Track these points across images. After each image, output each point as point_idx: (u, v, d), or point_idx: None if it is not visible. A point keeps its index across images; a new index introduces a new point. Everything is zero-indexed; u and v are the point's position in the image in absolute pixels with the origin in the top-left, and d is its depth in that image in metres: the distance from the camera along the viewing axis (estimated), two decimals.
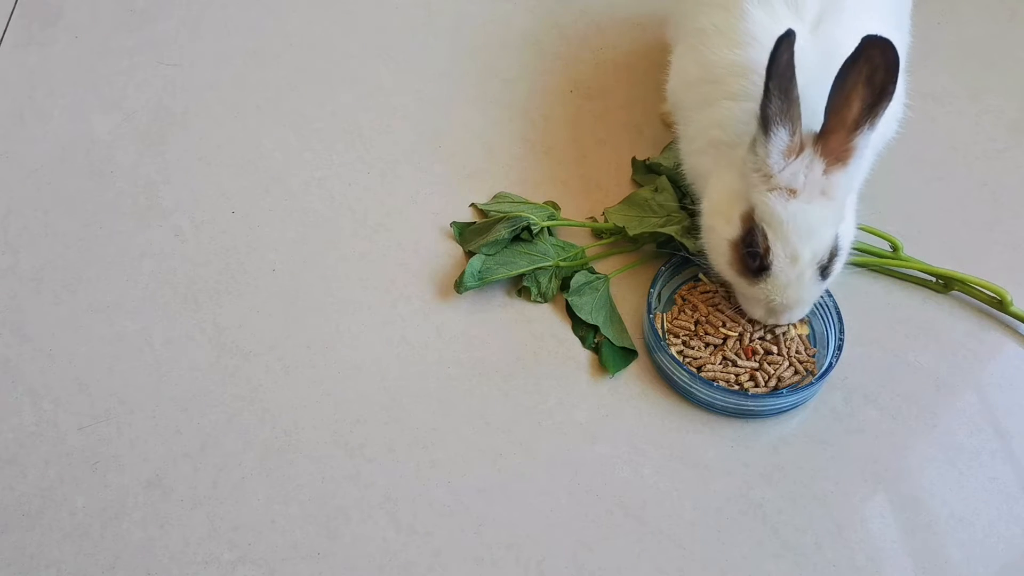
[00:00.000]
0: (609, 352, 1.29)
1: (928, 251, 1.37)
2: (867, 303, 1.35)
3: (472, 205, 1.46)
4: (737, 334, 1.26)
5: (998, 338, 1.33)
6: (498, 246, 1.36)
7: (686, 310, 1.30)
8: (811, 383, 1.22)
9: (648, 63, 1.62)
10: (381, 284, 1.37)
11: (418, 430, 1.23)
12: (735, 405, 1.22)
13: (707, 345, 1.27)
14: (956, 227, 1.44)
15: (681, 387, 1.25)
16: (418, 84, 1.63)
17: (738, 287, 1.22)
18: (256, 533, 1.14)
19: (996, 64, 1.68)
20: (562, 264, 1.36)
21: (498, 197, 1.46)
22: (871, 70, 1.06)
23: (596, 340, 1.31)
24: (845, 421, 1.24)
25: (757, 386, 1.23)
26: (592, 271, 1.36)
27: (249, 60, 1.66)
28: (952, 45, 1.70)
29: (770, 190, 1.12)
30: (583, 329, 1.32)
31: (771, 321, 1.22)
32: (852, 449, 1.22)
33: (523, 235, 1.37)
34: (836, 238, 1.16)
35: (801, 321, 1.27)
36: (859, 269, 1.37)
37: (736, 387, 1.23)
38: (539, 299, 1.35)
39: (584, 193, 1.47)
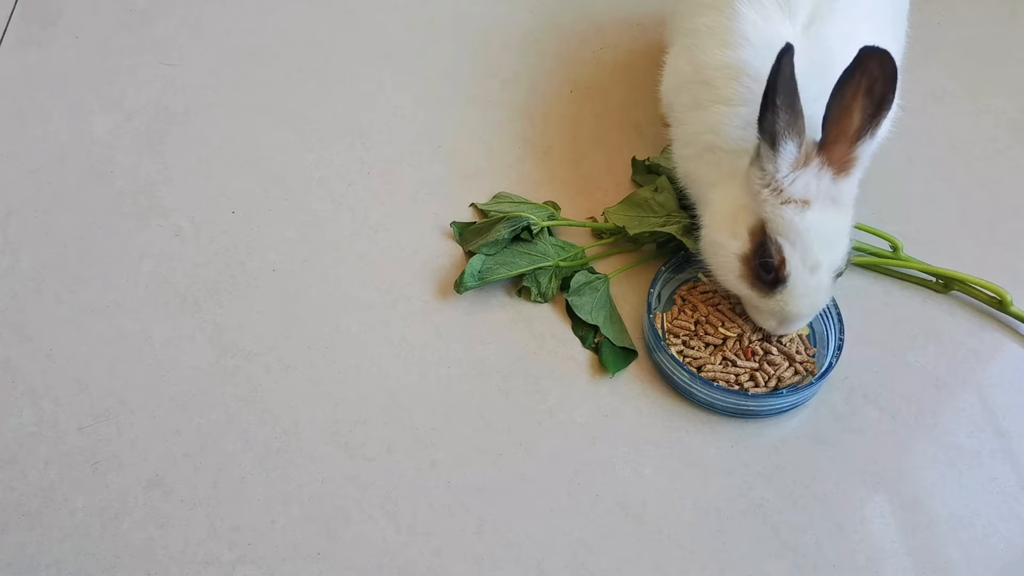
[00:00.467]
0: (609, 352, 1.29)
1: (928, 251, 1.37)
2: (867, 303, 1.35)
3: (472, 205, 1.46)
4: (736, 335, 1.26)
5: (998, 338, 1.33)
6: (498, 246, 1.36)
7: (686, 310, 1.30)
8: (811, 383, 1.22)
9: (648, 63, 1.62)
10: (381, 284, 1.37)
11: (418, 430, 1.23)
12: (735, 405, 1.22)
13: (707, 345, 1.27)
14: (956, 227, 1.44)
15: (681, 387, 1.25)
16: (418, 84, 1.63)
17: (749, 300, 1.22)
18: (256, 533, 1.14)
19: (996, 64, 1.68)
20: (562, 264, 1.36)
21: (498, 197, 1.46)
22: (870, 81, 1.06)
23: (596, 340, 1.31)
24: (845, 421, 1.24)
25: (757, 386, 1.23)
26: (592, 271, 1.36)
27: (249, 60, 1.66)
28: (952, 45, 1.70)
29: (783, 203, 1.11)
30: (583, 329, 1.32)
31: (781, 331, 1.22)
32: (852, 449, 1.22)
33: (523, 235, 1.37)
34: (851, 244, 1.16)
35: None
36: (859, 269, 1.37)
37: (736, 387, 1.23)
38: (539, 299, 1.35)
39: (584, 193, 1.47)
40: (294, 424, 1.23)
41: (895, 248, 1.37)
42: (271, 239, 1.42)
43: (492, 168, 1.51)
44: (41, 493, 1.17)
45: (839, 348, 1.24)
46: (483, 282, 1.33)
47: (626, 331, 1.31)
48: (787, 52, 1.04)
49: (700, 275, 1.32)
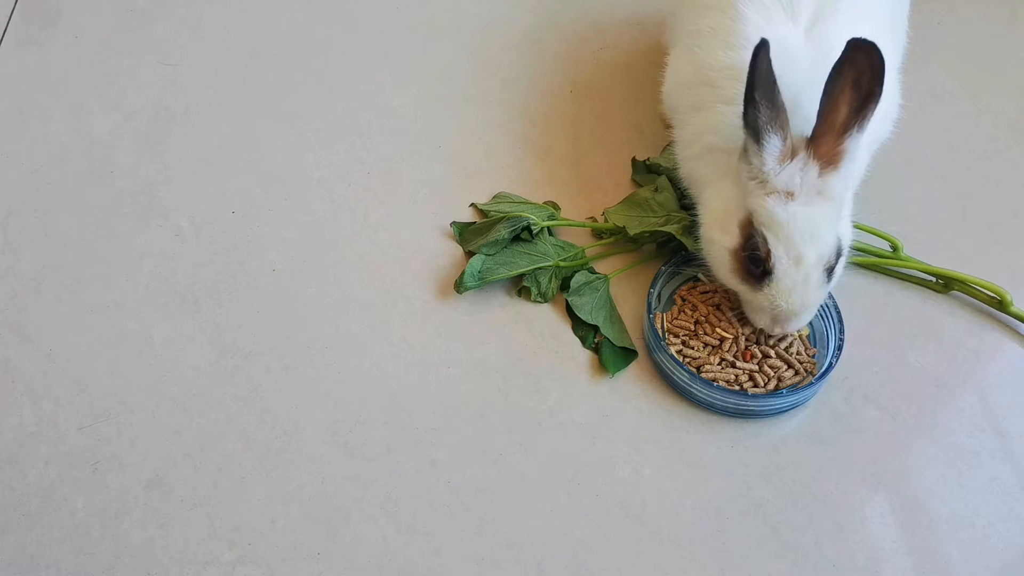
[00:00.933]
0: (609, 352, 1.29)
1: (928, 251, 1.37)
2: (867, 303, 1.35)
3: (472, 205, 1.46)
4: (732, 337, 1.26)
5: (998, 338, 1.33)
6: (498, 246, 1.36)
7: (686, 310, 1.30)
8: (811, 383, 1.22)
9: (648, 63, 1.62)
10: (381, 284, 1.37)
11: (418, 430, 1.23)
12: (735, 405, 1.22)
13: (706, 345, 1.27)
14: (956, 227, 1.44)
15: (681, 387, 1.25)
16: (418, 84, 1.63)
17: (743, 296, 1.22)
18: (256, 533, 1.14)
19: (996, 64, 1.68)
20: (562, 264, 1.36)
21: (498, 197, 1.46)
22: (857, 74, 1.06)
23: (596, 340, 1.31)
24: (845, 421, 1.24)
25: (757, 387, 1.23)
26: (592, 271, 1.36)
27: (249, 60, 1.66)
28: (952, 45, 1.70)
29: (767, 194, 1.12)
30: (583, 329, 1.32)
31: (776, 331, 1.21)
32: (852, 449, 1.22)
33: (523, 235, 1.37)
34: (839, 239, 1.16)
35: None
36: (859, 269, 1.37)
37: (736, 387, 1.23)
38: (539, 299, 1.35)
39: (584, 193, 1.47)
40: (294, 424, 1.23)
41: (895, 248, 1.37)
42: (271, 239, 1.42)
43: (492, 168, 1.51)
44: (41, 493, 1.17)
45: (839, 348, 1.24)
46: (483, 282, 1.33)
47: (626, 331, 1.31)
48: (763, 47, 1.05)
49: (700, 275, 1.32)
